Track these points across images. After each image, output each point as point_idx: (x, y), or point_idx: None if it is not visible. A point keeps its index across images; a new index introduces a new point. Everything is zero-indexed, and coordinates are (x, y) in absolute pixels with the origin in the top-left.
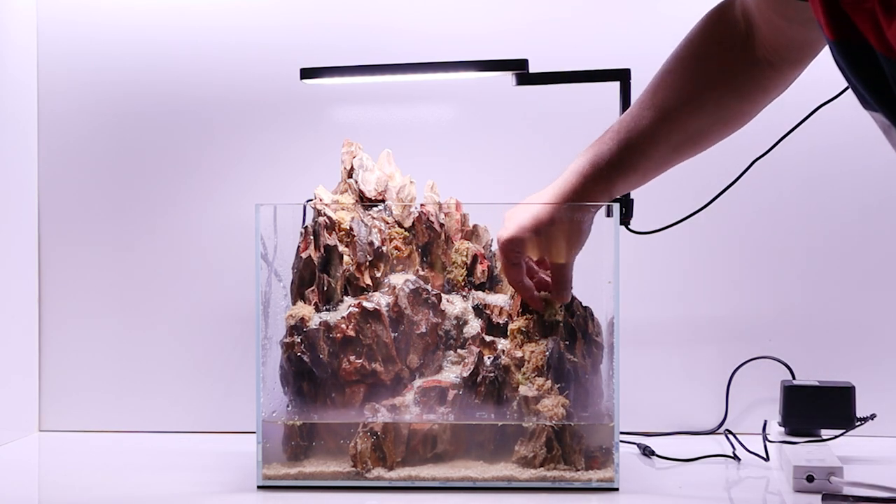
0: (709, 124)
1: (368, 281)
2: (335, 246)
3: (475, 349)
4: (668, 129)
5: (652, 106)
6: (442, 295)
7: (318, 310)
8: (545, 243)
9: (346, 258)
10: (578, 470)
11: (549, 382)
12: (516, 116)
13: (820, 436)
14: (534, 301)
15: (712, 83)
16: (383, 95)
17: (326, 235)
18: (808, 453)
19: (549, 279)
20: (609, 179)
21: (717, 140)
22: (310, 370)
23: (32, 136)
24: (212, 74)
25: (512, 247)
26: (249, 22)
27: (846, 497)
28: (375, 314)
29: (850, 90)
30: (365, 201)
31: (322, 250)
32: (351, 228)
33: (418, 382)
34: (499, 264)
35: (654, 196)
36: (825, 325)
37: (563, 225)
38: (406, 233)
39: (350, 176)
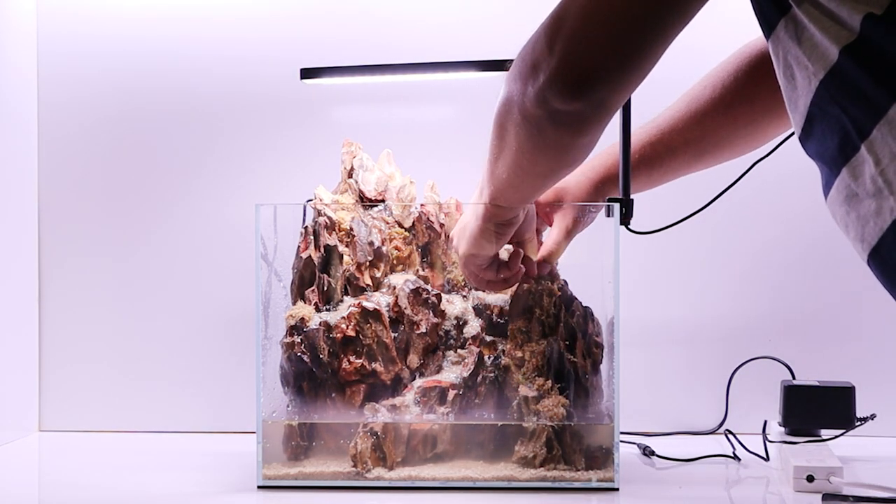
0: (737, 136)
1: (368, 281)
2: (335, 246)
3: (475, 349)
4: (700, 135)
5: (688, 111)
6: (442, 295)
7: (318, 310)
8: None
9: (346, 258)
10: (578, 470)
11: (549, 382)
12: None
13: (820, 436)
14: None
15: (747, 97)
16: (383, 95)
17: (326, 235)
18: (808, 453)
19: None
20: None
21: (742, 153)
22: (310, 370)
23: (33, 136)
24: (212, 74)
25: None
26: (250, 22)
27: (846, 497)
28: (375, 314)
29: None
30: (365, 201)
31: (322, 250)
32: (351, 228)
33: (418, 382)
34: None
35: (654, 196)
36: (825, 325)
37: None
38: (406, 233)
39: (350, 176)
